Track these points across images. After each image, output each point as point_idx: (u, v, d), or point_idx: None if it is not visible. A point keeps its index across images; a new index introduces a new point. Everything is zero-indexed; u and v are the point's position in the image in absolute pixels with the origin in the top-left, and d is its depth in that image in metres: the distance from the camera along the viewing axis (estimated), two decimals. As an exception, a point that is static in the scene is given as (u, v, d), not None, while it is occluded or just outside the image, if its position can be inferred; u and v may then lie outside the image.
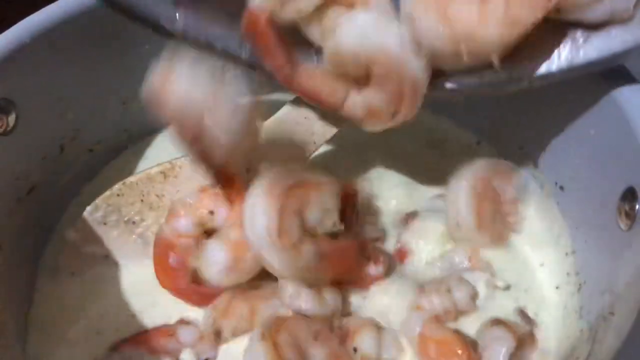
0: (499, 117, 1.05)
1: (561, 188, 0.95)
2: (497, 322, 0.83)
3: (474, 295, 0.87)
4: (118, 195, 0.96)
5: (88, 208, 0.95)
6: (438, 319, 0.84)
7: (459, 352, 0.78)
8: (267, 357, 0.74)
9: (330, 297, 0.85)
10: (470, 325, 0.85)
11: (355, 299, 0.89)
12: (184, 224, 0.88)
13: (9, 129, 0.88)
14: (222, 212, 0.88)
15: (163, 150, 1.10)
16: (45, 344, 0.88)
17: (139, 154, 1.14)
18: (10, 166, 0.91)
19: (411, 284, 0.89)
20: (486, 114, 1.06)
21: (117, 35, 1.00)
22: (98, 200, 0.95)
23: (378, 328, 0.85)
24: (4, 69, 0.85)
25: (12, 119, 0.88)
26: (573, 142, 0.90)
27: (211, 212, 0.89)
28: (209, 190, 0.90)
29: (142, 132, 1.16)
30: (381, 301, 0.88)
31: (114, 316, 0.91)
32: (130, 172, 1.04)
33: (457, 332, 0.83)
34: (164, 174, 0.96)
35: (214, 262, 0.85)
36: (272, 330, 0.78)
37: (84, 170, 1.08)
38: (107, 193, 0.96)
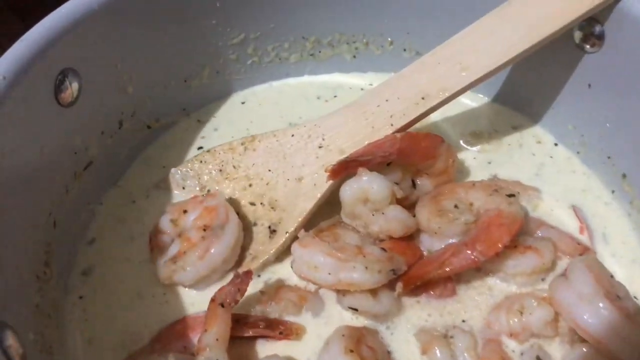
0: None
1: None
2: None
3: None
4: (201, 162, 0.97)
5: (173, 169, 0.97)
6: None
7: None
8: None
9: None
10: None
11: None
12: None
13: (72, 99, 0.84)
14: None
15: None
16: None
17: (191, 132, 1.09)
18: (70, 140, 0.87)
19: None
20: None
21: (183, 9, 0.96)
22: (183, 164, 0.98)
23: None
24: (69, 38, 0.80)
25: (75, 89, 0.84)
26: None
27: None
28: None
29: (199, 108, 1.11)
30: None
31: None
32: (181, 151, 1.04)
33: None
34: (244, 145, 0.96)
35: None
36: (354, 343, 0.73)
37: (140, 146, 1.04)
38: (191, 158, 0.98)
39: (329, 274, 0.80)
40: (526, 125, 1.07)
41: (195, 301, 0.86)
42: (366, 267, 0.79)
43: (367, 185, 0.84)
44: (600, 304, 0.74)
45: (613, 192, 0.96)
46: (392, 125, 0.89)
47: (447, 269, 0.80)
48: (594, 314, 0.74)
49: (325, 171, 0.85)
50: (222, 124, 1.09)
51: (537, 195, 0.96)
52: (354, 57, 1.15)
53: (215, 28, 1.03)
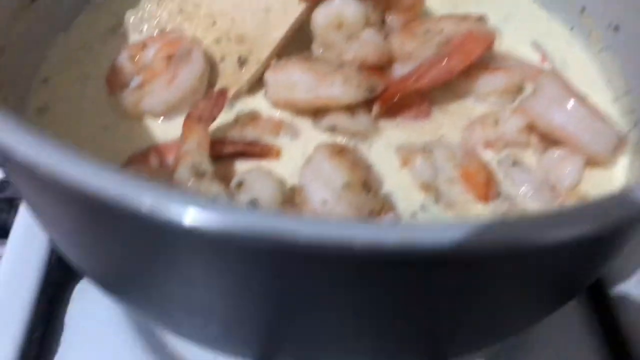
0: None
1: (616, 28, 0.90)
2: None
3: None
4: (158, 4, 0.91)
5: (128, 12, 0.91)
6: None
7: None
8: (345, 169, 0.68)
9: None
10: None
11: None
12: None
13: None
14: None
15: None
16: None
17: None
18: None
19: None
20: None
21: None
22: (139, 6, 0.92)
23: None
24: None
25: None
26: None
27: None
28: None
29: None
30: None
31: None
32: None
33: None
34: None
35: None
36: (337, 152, 0.72)
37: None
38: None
39: (307, 89, 0.78)
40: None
41: (164, 132, 0.82)
42: (344, 81, 0.78)
43: (340, 8, 0.82)
44: (570, 103, 0.77)
45: (572, 28, 0.99)
46: (365, -50, 0.86)
47: (425, 81, 0.80)
48: (564, 113, 0.77)
49: None
50: None
51: (499, 34, 0.97)
52: None
53: None
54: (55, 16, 0.90)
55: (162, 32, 0.91)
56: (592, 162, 0.80)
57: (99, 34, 0.92)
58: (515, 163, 0.80)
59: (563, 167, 0.78)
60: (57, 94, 0.85)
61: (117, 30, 0.92)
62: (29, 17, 0.83)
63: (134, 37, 0.92)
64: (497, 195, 0.77)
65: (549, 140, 0.81)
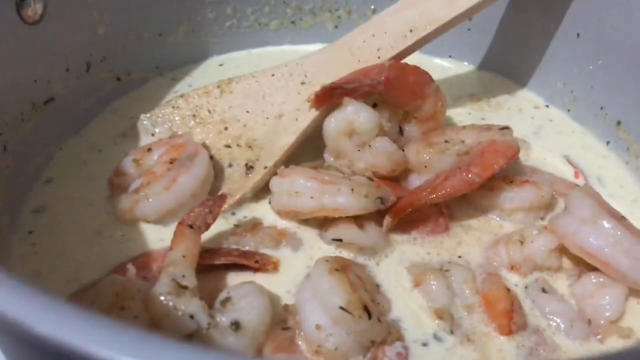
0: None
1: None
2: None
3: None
4: (173, 107, 0.90)
5: (142, 115, 0.90)
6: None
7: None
8: (344, 288, 0.61)
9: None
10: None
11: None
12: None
13: (36, 17, 0.78)
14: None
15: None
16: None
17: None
18: (31, 64, 0.80)
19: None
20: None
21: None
22: (153, 110, 0.91)
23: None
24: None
25: (39, 7, 0.78)
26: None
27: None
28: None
29: (174, 69, 1.05)
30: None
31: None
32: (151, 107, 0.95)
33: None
34: (220, 88, 0.90)
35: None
36: (339, 266, 0.65)
37: (108, 98, 0.97)
38: (163, 103, 0.92)
39: (312, 197, 0.72)
40: (514, 88, 1.04)
41: (160, 238, 0.76)
42: (352, 190, 0.71)
43: (352, 116, 0.78)
44: (605, 223, 0.68)
45: (608, 143, 0.92)
46: (379, 57, 0.84)
47: (441, 193, 0.73)
48: (599, 235, 0.68)
49: (309, 100, 0.80)
50: (198, 82, 1.03)
51: (527, 145, 0.91)
52: (336, 27, 1.13)
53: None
54: (69, 118, 0.89)
55: (174, 135, 0.88)
56: (635, 291, 0.69)
57: (111, 136, 0.91)
58: (545, 290, 0.70)
59: (601, 296, 0.68)
60: (57, 194, 0.82)
61: (128, 133, 0.91)
62: (40, 118, 0.83)
63: (145, 140, 0.90)
64: (523, 327, 0.66)
65: (584, 263, 0.71)
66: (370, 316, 0.61)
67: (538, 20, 0.96)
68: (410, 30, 0.84)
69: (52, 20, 0.80)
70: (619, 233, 0.67)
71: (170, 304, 0.59)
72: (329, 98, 0.79)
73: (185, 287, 0.61)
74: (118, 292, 0.60)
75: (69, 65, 0.88)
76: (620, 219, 0.69)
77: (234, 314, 0.60)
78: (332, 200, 0.72)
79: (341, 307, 0.60)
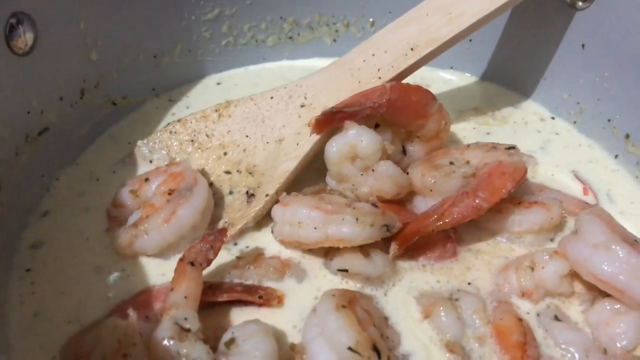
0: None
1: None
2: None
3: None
4: (170, 132, 0.89)
5: (139, 142, 0.88)
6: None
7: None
8: (352, 327, 0.59)
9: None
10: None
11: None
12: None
13: (27, 48, 0.76)
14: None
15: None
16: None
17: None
18: (23, 96, 0.78)
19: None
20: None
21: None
22: (151, 136, 0.89)
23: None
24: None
25: (30, 37, 0.76)
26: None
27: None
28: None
29: (170, 90, 1.03)
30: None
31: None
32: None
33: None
34: (218, 112, 0.89)
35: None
36: (346, 301, 0.63)
37: (104, 124, 0.94)
38: (160, 129, 0.90)
39: (315, 228, 0.70)
40: (518, 100, 1.02)
41: (161, 273, 0.75)
42: (357, 219, 0.70)
43: (355, 140, 0.76)
44: (619, 249, 0.66)
45: (616, 156, 0.89)
46: (380, 78, 0.82)
47: (449, 220, 0.71)
48: (613, 261, 0.65)
49: (309, 124, 0.77)
50: (195, 103, 1.01)
51: (533, 161, 0.89)
52: (334, 40, 1.10)
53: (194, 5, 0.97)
54: (65, 147, 0.87)
55: (171, 162, 0.86)
56: (652, 317, 0.67)
57: (108, 164, 0.89)
58: (558, 317, 0.68)
59: (617, 324, 0.66)
60: (55, 228, 0.80)
61: (126, 161, 0.89)
62: (34, 149, 0.81)
63: (143, 168, 0.88)
64: (537, 358, 0.65)
65: (598, 288, 0.69)
66: (379, 356, 0.59)
67: (541, 31, 0.94)
68: (411, 49, 0.82)
69: (43, 50, 0.78)
70: (633, 260, 0.65)
71: (174, 349, 0.57)
72: (330, 122, 0.77)
73: (188, 330, 0.59)
74: (120, 339, 0.58)
75: (63, 94, 0.86)
76: (633, 243, 0.67)
77: (239, 357, 0.59)
78: (337, 231, 0.70)
79: (349, 348, 0.58)
